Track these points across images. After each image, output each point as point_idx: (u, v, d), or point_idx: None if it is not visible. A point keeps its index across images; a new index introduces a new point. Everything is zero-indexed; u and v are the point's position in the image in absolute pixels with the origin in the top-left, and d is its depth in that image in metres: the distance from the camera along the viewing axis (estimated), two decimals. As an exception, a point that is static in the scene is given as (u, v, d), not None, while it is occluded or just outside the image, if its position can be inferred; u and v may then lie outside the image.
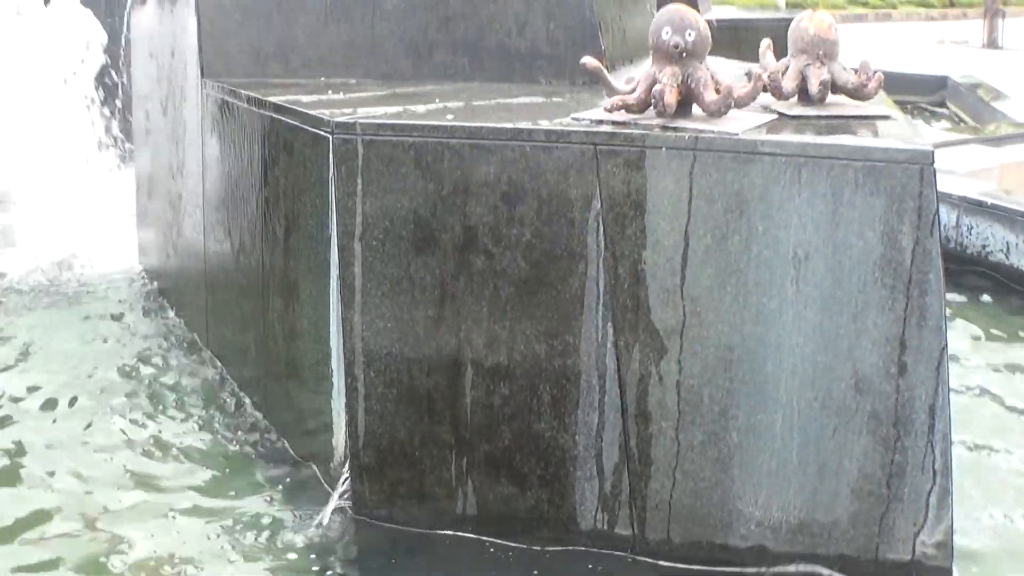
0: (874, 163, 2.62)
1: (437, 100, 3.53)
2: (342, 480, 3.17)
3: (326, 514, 3.14)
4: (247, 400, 4.09)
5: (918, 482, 2.68)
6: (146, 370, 4.51)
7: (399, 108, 3.44)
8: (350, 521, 3.13)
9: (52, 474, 3.53)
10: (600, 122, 2.91)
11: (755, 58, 3.28)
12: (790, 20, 3.24)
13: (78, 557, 3.02)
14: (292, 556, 3.02)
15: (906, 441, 2.67)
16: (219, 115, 4.13)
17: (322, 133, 3.09)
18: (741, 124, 2.83)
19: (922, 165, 2.59)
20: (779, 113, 3.08)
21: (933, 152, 2.59)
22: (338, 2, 4.14)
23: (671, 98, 2.82)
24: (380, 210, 3.01)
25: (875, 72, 3.13)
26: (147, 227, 5.79)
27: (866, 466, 2.70)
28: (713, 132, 2.74)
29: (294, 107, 3.34)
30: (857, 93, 3.14)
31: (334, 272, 3.10)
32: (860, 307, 2.66)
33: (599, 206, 2.83)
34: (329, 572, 2.96)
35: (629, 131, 2.81)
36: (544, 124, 2.96)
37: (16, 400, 4.21)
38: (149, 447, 3.75)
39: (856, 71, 3.12)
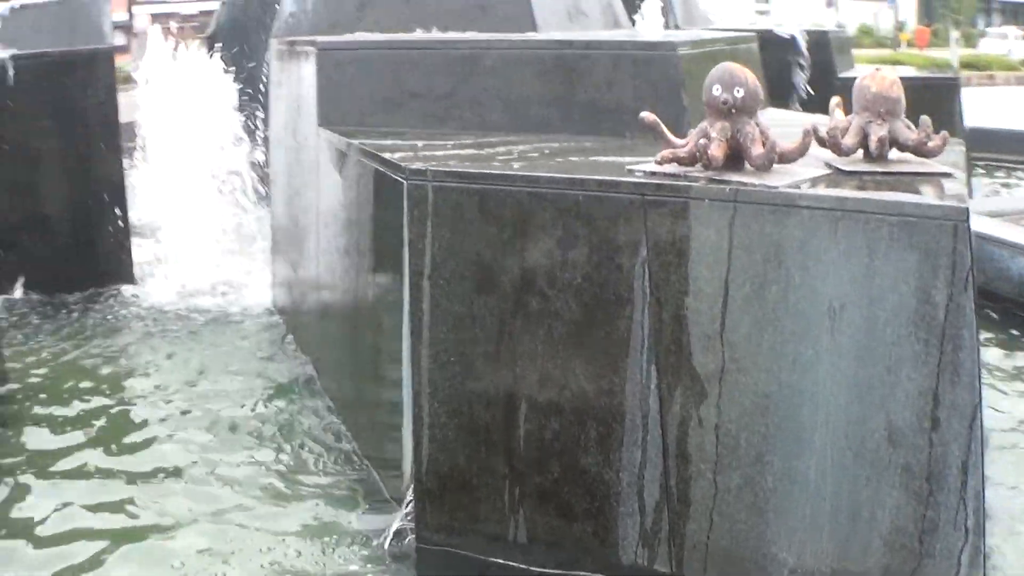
0: (908, 218, 2.66)
1: (519, 151, 3.74)
2: (406, 502, 3.37)
3: (389, 533, 3.35)
4: (344, 429, 4.36)
5: (950, 539, 2.68)
6: (261, 398, 4.85)
7: (481, 157, 3.65)
8: (411, 542, 3.32)
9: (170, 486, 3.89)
10: (652, 173, 3.05)
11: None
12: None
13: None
14: (353, 568, 3.24)
15: (939, 496, 2.68)
16: (329, 160, 4.44)
17: (398, 178, 3.33)
18: (787, 178, 2.92)
19: (956, 222, 2.62)
20: (836, 169, 3.15)
21: (968, 209, 2.62)
22: (443, 59, 4.40)
23: (718, 152, 2.94)
24: (447, 251, 3.22)
25: (940, 132, 3.17)
26: (277, 263, 6.19)
27: (898, 519, 2.72)
28: (755, 185, 2.84)
29: (379, 153, 3.60)
30: (919, 150, 3.18)
31: (406, 307, 3.31)
32: (894, 360, 2.69)
33: (645, 253, 2.96)
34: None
35: (675, 182, 2.94)
36: (598, 175, 3.11)
37: (145, 423, 4.60)
38: (250, 466, 4.06)
39: (917, 129, 3.16)
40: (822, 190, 2.84)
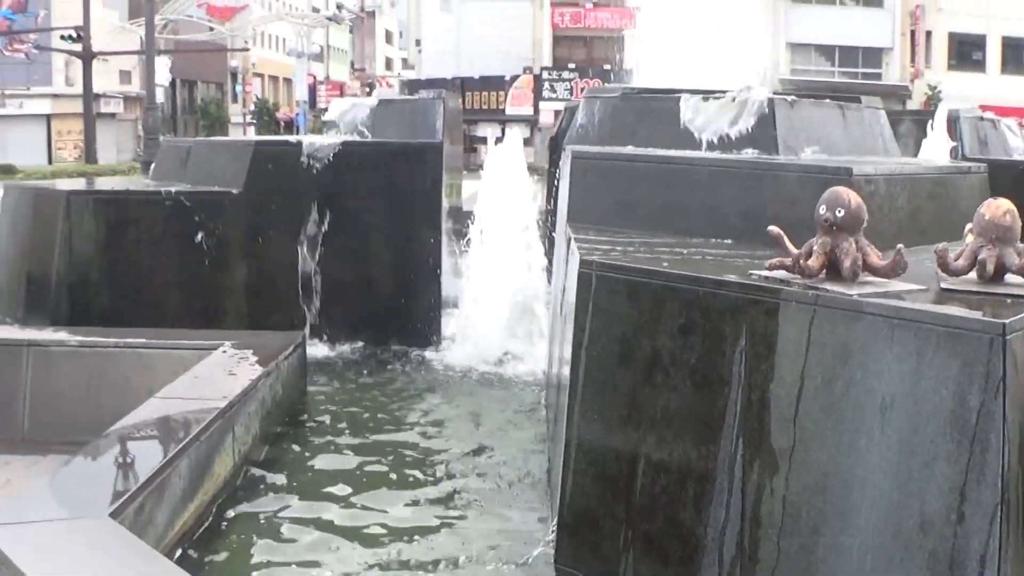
0: (952, 329, 3.02)
1: (687, 252, 4.34)
2: (550, 530, 4.04)
3: (531, 556, 4.03)
4: (550, 474, 5.09)
5: (968, 625, 2.95)
6: (507, 447, 5.67)
7: (656, 255, 4.30)
8: (550, 567, 3.98)
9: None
10: (763, 277, 3.57)
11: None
12: None
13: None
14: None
15: (960, 583, 2.97)
16: (562, 251, 5.24)
17: (582, 270, 4.05)
18: (875, 288, 3.34)
19: (992, 336, 2.95)
20: (943, 287, 3.49)
21: (1005, 324, 2.94)
22: (663, 173, 5.08)
23: (814, 263, 3.42)
24: (600, 328, 3.90)
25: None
26: (548, 338, 7.05)
27: (925, 600, 3.03)
28: (833, 292, 3.30)
29: (579, 248, 4.31)
30: (1024, 274, 3.46)
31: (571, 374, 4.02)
32: (931, 456, 3.03)
33: (744, 343, 3.48)
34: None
35: (771, 286, 3.45)
36: (718, 275, 3.67)
37: (418, 459, 5.55)
38: (469, 495, 4.93)
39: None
40: (885, 300, 3.24)
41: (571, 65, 48.28)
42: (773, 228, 3.65)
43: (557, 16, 49.72)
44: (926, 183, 4.80)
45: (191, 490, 4.29)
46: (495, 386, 7.12)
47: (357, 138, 8.23)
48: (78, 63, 33.41)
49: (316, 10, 74.93)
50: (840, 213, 3.43)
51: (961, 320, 3.03)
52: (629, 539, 3.76)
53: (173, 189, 8.08)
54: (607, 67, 35.73)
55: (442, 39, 53.97)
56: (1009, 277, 3.52)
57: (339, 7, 59.52)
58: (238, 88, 72.85)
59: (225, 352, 5.87)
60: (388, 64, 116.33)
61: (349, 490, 4.94)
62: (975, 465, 2.96)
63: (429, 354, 7.78)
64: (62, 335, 6.26)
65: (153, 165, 10.06)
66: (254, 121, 63.16)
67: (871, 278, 3.47)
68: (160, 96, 53.17)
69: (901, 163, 5.21)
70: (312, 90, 62.21)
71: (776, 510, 3.35)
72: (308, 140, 8.12)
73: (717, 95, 6.01)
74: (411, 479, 5.15)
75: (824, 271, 3.47)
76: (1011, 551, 2.96)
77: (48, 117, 46.71)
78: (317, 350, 7.62)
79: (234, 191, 7.96)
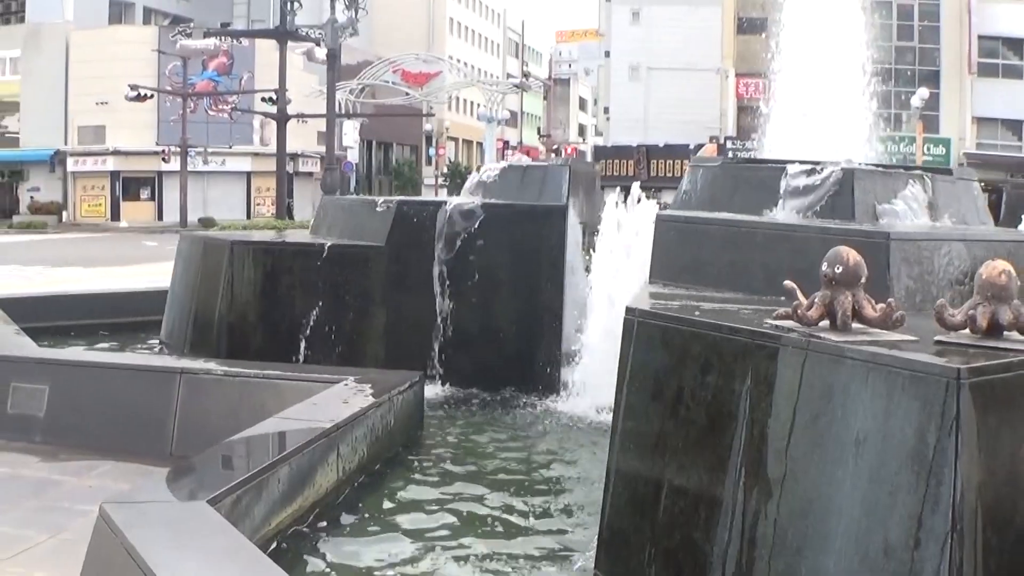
0: (916, 373, 3.37)
1: (737, 306, 4.75)
2: (592, 546, 4.51)
3: (574, 564, 4.51)
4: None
5: (920, 645, 3.25)
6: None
7: (698, 307, 4.74)
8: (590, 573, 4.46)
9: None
10: (772, 326, 3.98)
11: None
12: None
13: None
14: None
15: (914, 605, 3.28)
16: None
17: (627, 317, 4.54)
18: (864, 337, 3.70)
19: (949, 379, 3.28)
20: (937, 340, 3.81)
21: (960, 370, 3.27)
22: (727, 235, 5.50)
23: (813, 313, 3.82)
24: (638, 367, 4.38)
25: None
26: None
27: (884, 620, 3.35)
28: (821, 339, 3.68)
29: (653, 298, 4.79)
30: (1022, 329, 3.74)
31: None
32: (895, 486, 3.37)
33: (749, 383, 3.89)
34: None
35: (773, 332, 3.86)
36: (734, 323, 4.10)
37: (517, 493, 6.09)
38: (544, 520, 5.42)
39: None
40: (864, 347, 3.59)
41: (754, 135, 48.20)
42: (788, 282, 4.05)
43: (742, 86, 50.03)
44: (978, 248, 5.04)
45: (290, 494, 4.96)
46: (606, 432, 7.55)
47: (491, 200, 8.92)
48: (275, 124, 35.92)
49: (512, 76, 77.42)
50: (839, 269, 3.82)
51: (923, 365, 3.38)
52: (652, 554, 4.19)
53: (326, 242, 8.97)
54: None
55: (630, 108, 55.01)
56: (1009, 333, 3.80)
57: (526, 75, 61.32)
58: (431, 151, 75.96)
59: (346, 385, 6.58)
60: (581, 131, 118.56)
61: (447, 512, 5.48)
62: (931, 496, 3.28)
63: (548, 402, 8.29)
64: (210, 364, 7.13)
65: (312, 220, 11.06)
66: (446, 183, 65.72)
67: (867, 328, 3.82)
68: (354, 157, 56.21)
69: (961, 230, 5.44)
70: (501, 154, 64.17)
71: (768, 532, 3.73)
72: (446, 201, 8.86)
73: (809, 166, 6.37)
74: (502, 505, 5.65)
75: (823, 321, 3.85)
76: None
77: (248, 174, 50.06)
78: (442, 392, 8.28)
79: (377, 245, 8.77)
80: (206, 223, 43.76)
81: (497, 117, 62.90)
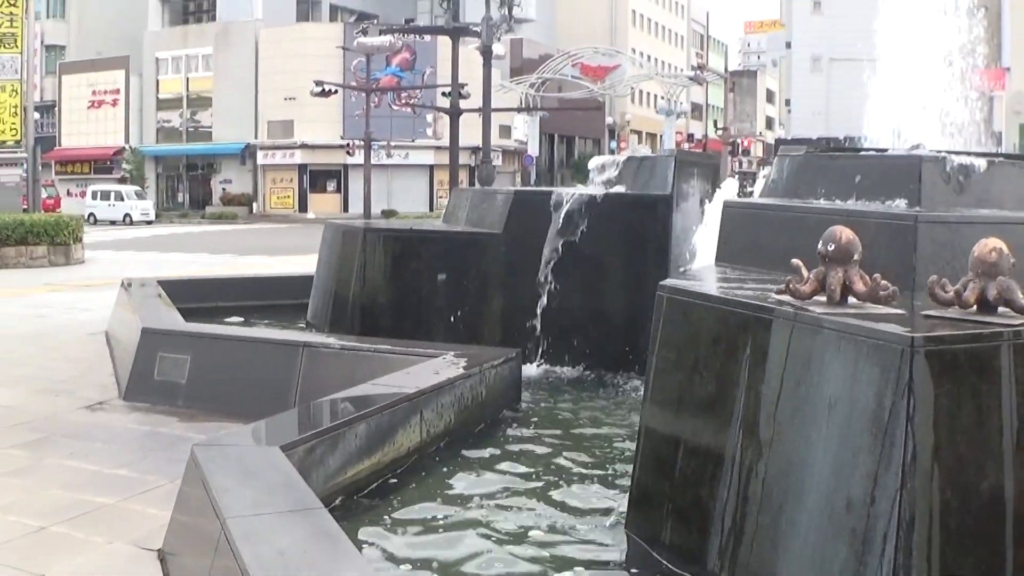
0: (877, 341, 3.64)
1: (770, 284, 5.04)
2: (618, 505, 4.92)
3: (608, 520, 4.94)
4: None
5: (873, 594, 3.53)
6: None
7: (736, 285, 5.06)
8: (620, 530, 4.87)
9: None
10: (775, 300, 4.29)
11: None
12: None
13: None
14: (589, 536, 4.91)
15: (867, 558, 3.55)
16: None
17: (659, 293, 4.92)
18: (852, 311, 3.98)
19: (903, 347, 3.54)
20: (924, 314, 4.04)
21: (914, 338, 3.53)
22: (782, 220, 5.75)
23: (805, 288, 4.11)
24: (665, 338, 4.76)
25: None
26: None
27: (844, 570, 3.62)
28: (807, 311, 3.98)
29: (694, 277, 5.16)
30: (1011, 304, 3.93)
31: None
32: (857, 447, 3.65)
33: (749, 352, 4.22)
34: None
35: (768, 305, 4.17)
36: (741, 298, 4.42)
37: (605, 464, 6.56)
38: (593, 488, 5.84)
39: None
40: (840, 318, 3.87)
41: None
42: (795, 260, 4.35)
43: (931, 75, 48.10)
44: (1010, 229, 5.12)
45: (368, 449, 5.56)
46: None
47: (604, 190, 9.33)
48: (460, 118, 37.05)
49: (695, 68, 76.89)
50: (831, 247, 4.10)
51: (884, 334, 3.64)
52: (668, 511, 4.56)
53: (450, 229, 9.60)
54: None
55: (811, 100, 53.96)
56: (1004, 310, 3.99)
57: (700, 68, 60.84)
58: (612, 144, 76.35)
59: (443, 358, 7.16)
60: (769, 123, 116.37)
61: (519, 477, 5.95)
62: (885, 456, 3.56)
63: (648, 383, 8.66)
64: (330, 339, 7.86)
65: (444, 210, 11.73)
66: (625, 176, 65.87)
67: (863, 304, 4.09)
68: (534, 150, 57.19)
69: (998, 214, 5.48)
70: (677, 147, 63.93)
71: (758, 490, 4.06)
72: (558, 191, 9.34)
73: (884, 153, 6.52)
74: (577, 474, 6.07)
75: (818, 295, 4.14)
76: (915, 532, 3.51)
77: (431, 167, 51.73)
78: (546, 371, 8.77)
79: (496, 232, 9.33)
80: (388, 215, 45.61)
81: (676, 110, 62.69)
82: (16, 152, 26.18)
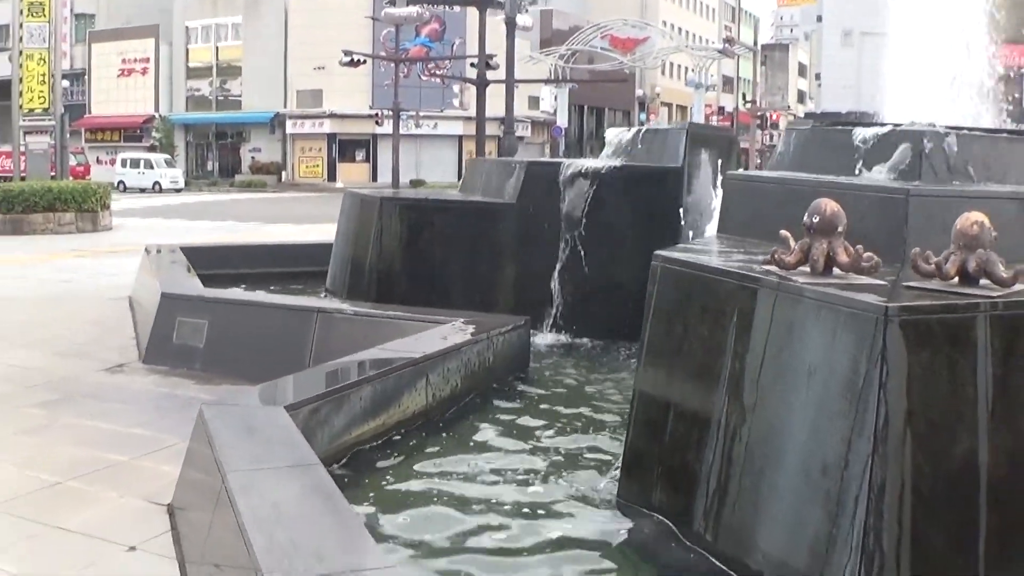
0: (853, 310, 3.75)
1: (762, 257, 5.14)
2: (614, 467, 5.05)
3: (600, 484, 5.08)
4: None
5: (841, 555, 3.62)
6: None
7: (729, 256, 5.16)
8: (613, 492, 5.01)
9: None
10: (762, 270, 4.39)
11: None
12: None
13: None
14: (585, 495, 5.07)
15: (840, 520, 3.67)
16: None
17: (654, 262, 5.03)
18: (834, 281, 4.08)
19: (877, 316, 3.65)
20: (905, 285, 4.13)
21: (887, 308, 3.63)
22: (779, 192, 5.84)
23: (790, 258, 4.22)
24: (661, 304, 4.88)
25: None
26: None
27: (819, 531, 3.75)
28: (790, 281, 4.09)
29: (691, 247, 5.27)
30: (991, 277, 4.02)
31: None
32: (833, 413, 3.77)
33: (735, 319, 4.34)
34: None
35: (753, 274, 4.28)
36: (728, 268, 4.53)
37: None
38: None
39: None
40: (820, 287, 3.98)
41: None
42: (783, 231, 4.45)
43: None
44: (1000, 204, 5.19)
45: (373, 411, 5.72)
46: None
47: (616, 161, 9.42)
48: (488, 89, 37.08)
49: (726, 41, 76.32)
50: (816, 219, 4.20)
51: (859, 303, 3.75)
52: (658, 474, 4.70)
53: (465, 199, 9.73)
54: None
55: (842, 74, 53.35)
56: (985, 282, 4.08)
57: (729, 41, 60.36)
58: (642, 116, 76.00)
59: (452, 325, 7.31)
60: (800, 97, 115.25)
61: (519, 439, 6.10)
62: (858, 421, 3.67)
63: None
64: (343, 305, 8.03)
65: (462, 180, 11.86)
66: (653, 148, 65.61)
67: (847, 275, 4.19)
68: (563, 122, 57.10)
69: (994, 189, 5.53)
70: (707, 120, 63.57)
71: (741, 453, 4.18)
72: (567, 162, 9.44)
73: (887, 127, 6.58)
74: (583, 442, 6.20)
75: (803, 266, 4.24)
76: (887, 495, 3.63)
77: (460, 138, 51.80)
78: (557, 339, 8.91)
79: (509, 202, 9.45)
80: (416, 184, 45.75)
81: (705, 83, 62.27)
82: (44, 120, 26.51)
